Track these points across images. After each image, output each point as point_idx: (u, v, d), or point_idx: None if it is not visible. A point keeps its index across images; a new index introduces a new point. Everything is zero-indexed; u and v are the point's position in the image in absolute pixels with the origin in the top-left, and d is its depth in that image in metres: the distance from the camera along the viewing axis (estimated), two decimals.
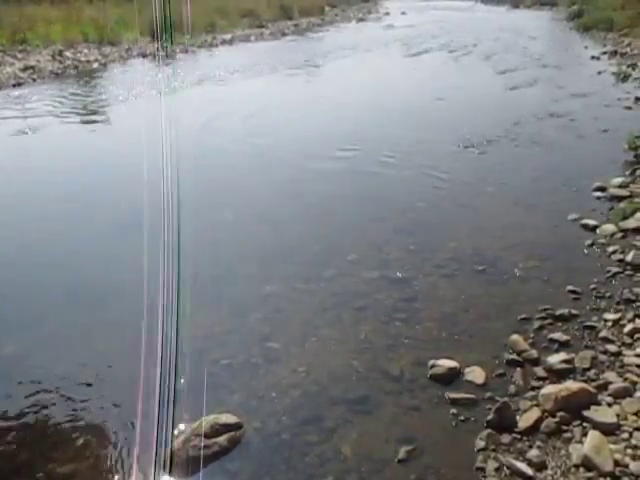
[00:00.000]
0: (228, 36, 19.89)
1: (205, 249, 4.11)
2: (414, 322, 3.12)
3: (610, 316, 3.11)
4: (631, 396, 2.46)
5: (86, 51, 15.01)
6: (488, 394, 2.57)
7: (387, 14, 35.25)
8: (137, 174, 5.68)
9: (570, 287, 3.40)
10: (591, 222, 4.27)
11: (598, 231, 4.16)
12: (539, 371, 2.71)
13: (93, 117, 8.60)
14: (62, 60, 13.62)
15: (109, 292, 3.56)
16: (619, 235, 4.07)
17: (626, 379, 2.59)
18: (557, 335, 2.96)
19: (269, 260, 3.94)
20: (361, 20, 30.07)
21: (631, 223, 4.17)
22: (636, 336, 2.93)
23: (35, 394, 2.67)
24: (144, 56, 15.32)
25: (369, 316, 3.19)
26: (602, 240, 4.02)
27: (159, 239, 4.17)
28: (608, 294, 3.33)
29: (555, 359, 2.76)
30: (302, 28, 24.83)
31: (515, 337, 2.92)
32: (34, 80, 11.47)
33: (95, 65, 13.62)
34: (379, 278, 3.57)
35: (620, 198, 4.68)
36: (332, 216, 4.67)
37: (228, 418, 2.43)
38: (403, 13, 35.28)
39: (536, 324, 3.07)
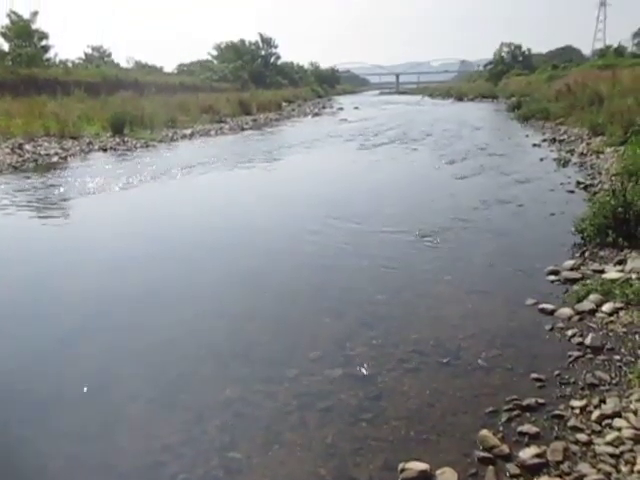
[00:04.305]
0: (188, 131, 20.50)
1: (159, 349, 3.96)
2: (380, 422, 3.01)
3: (577, 403, 3.09)
4: None
5: (46, 144, 15.16)
6: None
7: (341, 109, 37.36)
8: (88, 267, 5.62)
9: (534, 375, 3.39)
10: (548, 306, 4.33)
11: (556, 314, 4.23)
12: (512, 468, 2.62)
13: (46, 212, 8.50)
14: (21, 153, 13.71)
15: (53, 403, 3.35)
16: (576, 318, 4.13)
17: (599, 470, 2.53)
18: (526, 427, 2.91)
19: (228, 360, 3.80)
20: (316, 115, 31.67)
21: (586, 305, 4.26)
22: (604, 422, 2.90)
23: None
24: (105, 150, 15.52)
25: (334, 418, 3.06)
26: (560, 324, 4.07)
27: (111, 337, 4.02)
28: (572, 379, 3.33)
29: (527, 454, 2.69)
30: (260, 123, 25.89)
31: (484, 432, 2.84)
32: None
33: (55, 159, 13.69)
34: (343, 376, 3.47)
35: (573, 281, 4.81)
36: (291, 311, 4.60)
37: None
38: (356, 108, 37.50)
39: (504, 416, 3.01)
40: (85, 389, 3.46)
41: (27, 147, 14.48)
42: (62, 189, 10.04)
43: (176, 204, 9.02)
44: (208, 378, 3.58)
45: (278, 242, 6.56)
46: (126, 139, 17.29)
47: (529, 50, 54.75)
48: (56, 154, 14.20)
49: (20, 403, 3.36)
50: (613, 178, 8.00)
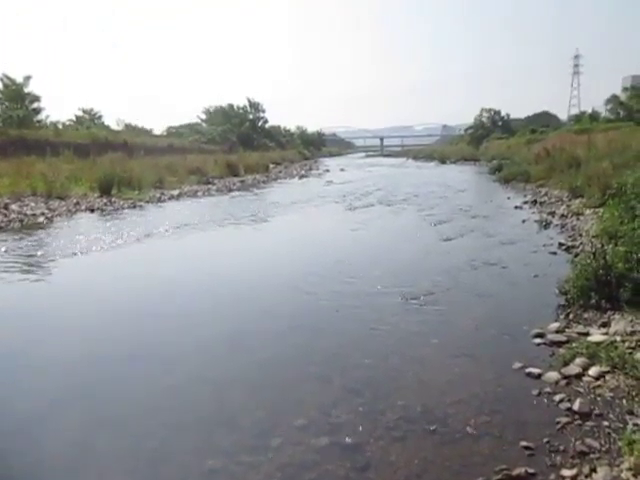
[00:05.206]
0: (176, 192, 20.68)
1: (141, 416, 3.85)
2: None
3: (567, 472, 3.04)
4: None
5: (33, 205, 15.16)
6: None
7: (327, 171, 38.14)
8: (67, 330, 5.51)
9: (524, 442, 3.33)
10: (535, 370, 4.31)
11: (543, 378, 4.20)
12: None
13: (26, 274, 8.38)
14: (7, 213, 13.70)
15: None
16: (563, 382, 4.11)
17: None
18: None
19: (211, 428, 3.69)
20: (303, 176, 32.24)
21: (572, 369, 4.25)
22: None
23: None
24: (92, 210, 15.54)
25: None
26: (548, 389, 4.03)
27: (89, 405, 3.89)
28: (562, 447, 3.28)
29: None
30: (248, 184, 26.23)
31: None
32: None
33: (41, 219, 13.65)
34: (329, 445, 3.38)
35: (559, 344, 4.81)
36: (277, 376, 4.52)
37: None
38: (342, 170, 38.32)
39: None
40: (63, 458, 3.33)
41: (13, 207, 14.48)
42: (44, 250, 9.95)
43: (160, 266, 8.98)
44: (191, 447, 3.46)
45: (264, 304, 6.51)
46: (113, 199, 17.38)
47: (508, 115, 56.95)
48: (42, 214, 14.19)
49: None
50: (593, 240, 8.15)
